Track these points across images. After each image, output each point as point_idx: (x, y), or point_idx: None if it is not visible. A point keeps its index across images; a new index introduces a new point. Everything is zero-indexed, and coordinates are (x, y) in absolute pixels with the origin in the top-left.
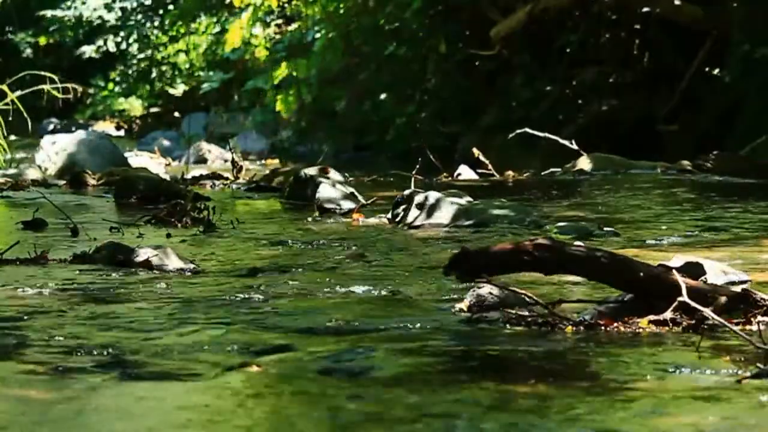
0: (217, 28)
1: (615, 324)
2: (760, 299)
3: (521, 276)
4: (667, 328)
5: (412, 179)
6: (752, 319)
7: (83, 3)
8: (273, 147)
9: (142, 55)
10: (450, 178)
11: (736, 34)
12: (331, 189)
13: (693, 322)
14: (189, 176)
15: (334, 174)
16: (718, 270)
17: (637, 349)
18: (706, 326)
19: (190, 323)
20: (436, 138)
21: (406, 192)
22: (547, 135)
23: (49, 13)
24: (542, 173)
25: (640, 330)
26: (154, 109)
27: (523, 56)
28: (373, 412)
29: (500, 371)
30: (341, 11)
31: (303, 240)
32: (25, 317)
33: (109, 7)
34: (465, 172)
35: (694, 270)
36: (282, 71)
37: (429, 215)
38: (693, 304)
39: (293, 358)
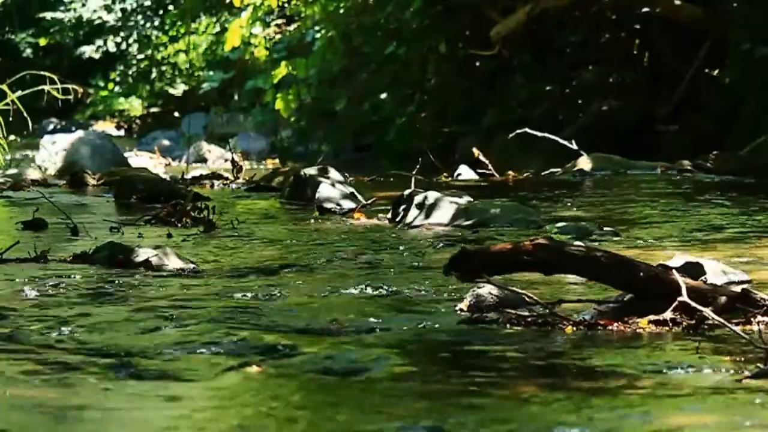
0: (217, 28)
1: (615, 324)
2: (760, 299)
3: (521, 276)
4: (667, 328)
5: (412, 179)
6: (752, 319)
7: (83, 5)
8: (273, 147)
9: (142, 56)
10: (450, 178)
11: (736, 34)
12: (331, 189)
13: (693, 322)
14: (189, 176)
15: (334, 174)
16: (718, 270)
17: (637, 349)
18: (706, 326)
19: (190, 323)
20: (436, 138)
21: (406, 192)
22: (547, 135)
23: (49, 15)
24: (542, 173)
25: (640, 330)
26: (154, 109)
27: (523, 56)
28: (372, 412)
29: (500, 371)
30: (341, 11)
31: (303, 240)
32: (26, 317)
33: (108, 9)
34: (465, 172)
35: (694, 270)
36: (282, 71)
37: (429, 215)
38: (693, 304)
39: (293, 358)
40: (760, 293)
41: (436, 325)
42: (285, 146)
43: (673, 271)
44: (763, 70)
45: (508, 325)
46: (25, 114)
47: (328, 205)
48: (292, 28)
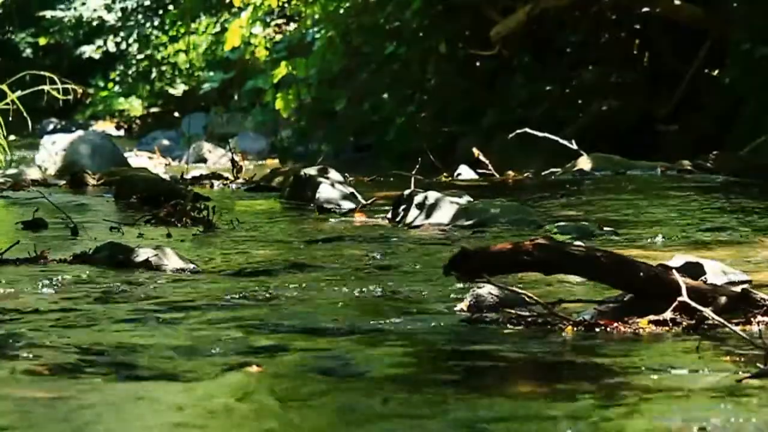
0: (217, 28)
1: (615, 324)
2: (760, 299)
3: (521, 276)
4: (667, 328)
5: (412, 179)
6: (752, 319)
7: (83, 4)
8: (273, 147)
9: (142, 55)
10: (450, 178)
11: (736, 33)
12: (330, 189)
13: (693, 322)
14: (189, 176)
15: (334, 174)
16: (718, 270)
17: (637, 349)
18: (706, 326)
19: (190, 323)
20: (436, 138)
21: (406, 192)
22: (547, 135)
23: (48, 14)
24: (542, 173)
25: (640, 330)
26: (154, 109)
27: (523, 56)
28: (372, 412)
29: (500, 371)
30: (341, 11)
31: (303, 240)
32: (25, 317)
33: (109, 8)
34: (465, 172)
35: (694, 270)
36: (282, 71)
37: (429, 215)
38: (693, 304)
39: (293, 358)
40: (760, 293)
41: (436, 325)
42: (285, 146)
43: (673, 271)
44: (763, 70)
45: (508, 325)
46: (25, 114)
47: (328, 206)
48: (292, 28)
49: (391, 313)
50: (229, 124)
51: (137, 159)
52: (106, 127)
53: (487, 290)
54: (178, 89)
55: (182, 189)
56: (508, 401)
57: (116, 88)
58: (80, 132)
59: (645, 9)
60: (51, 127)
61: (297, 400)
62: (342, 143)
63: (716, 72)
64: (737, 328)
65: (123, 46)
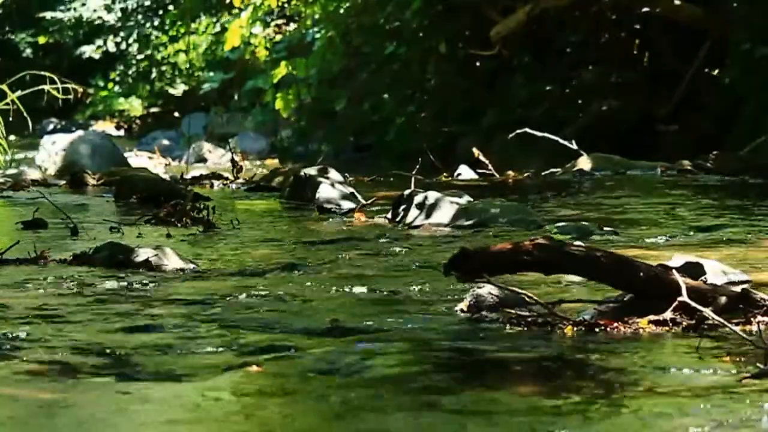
0: (217, 28)
1: (615, 324)
2: (760, 299)
3: (521, 276)
4: (667, 328)
5: (412, 179)
6: (752, 319)
7: (83, 4)
8: (273, 147)
9: (142, 56)
10: (450, 178)
11: (736, 33)
12: (330, 189)
13: (693, 322)
14: (189, 176)
15: (334, 174)
16: (718, 270)
17: (637, 349)
18: (706, 326)
19: (190, 323)
20: (436, 138)
21: (406, 192)
22: (547, 135)
23: (48, 14)
24: (542, 173)
25: (640, 330)
26: (154, 109)
27: (523, 56)
28: (372, 412)
29: (500, 371)
30: (341, 11)
31: (303, 240)
32: (25, 317)
33: (109, 8)
34: (465, 172)
35: (694, 270)
36: (282, 71)
37: (429, 215)
38: (693, 304)
39: (293, 358)
40: (760, 293)
41: (436, 325)
42: (285, 146)
43: (673, 271)
44: (763, 70)
45: (508, 325)
46: (25, 114)
47: (328, 206)
48: (292, 28)
49: (391, 313)
50: (229, 124)
51: (137, 159)
52: (106, 127)
53: (487, 290)
54: (178, 89)
55: (182, 189)
56: (507, 401)
57: (116, 88)
58: (80, 132)
59: (645, 9)
60: (51, 127)
61: (297, 400)
62: (342, 143)
63: (716, 72)
64: (737, 328)
65: (123, 46)
